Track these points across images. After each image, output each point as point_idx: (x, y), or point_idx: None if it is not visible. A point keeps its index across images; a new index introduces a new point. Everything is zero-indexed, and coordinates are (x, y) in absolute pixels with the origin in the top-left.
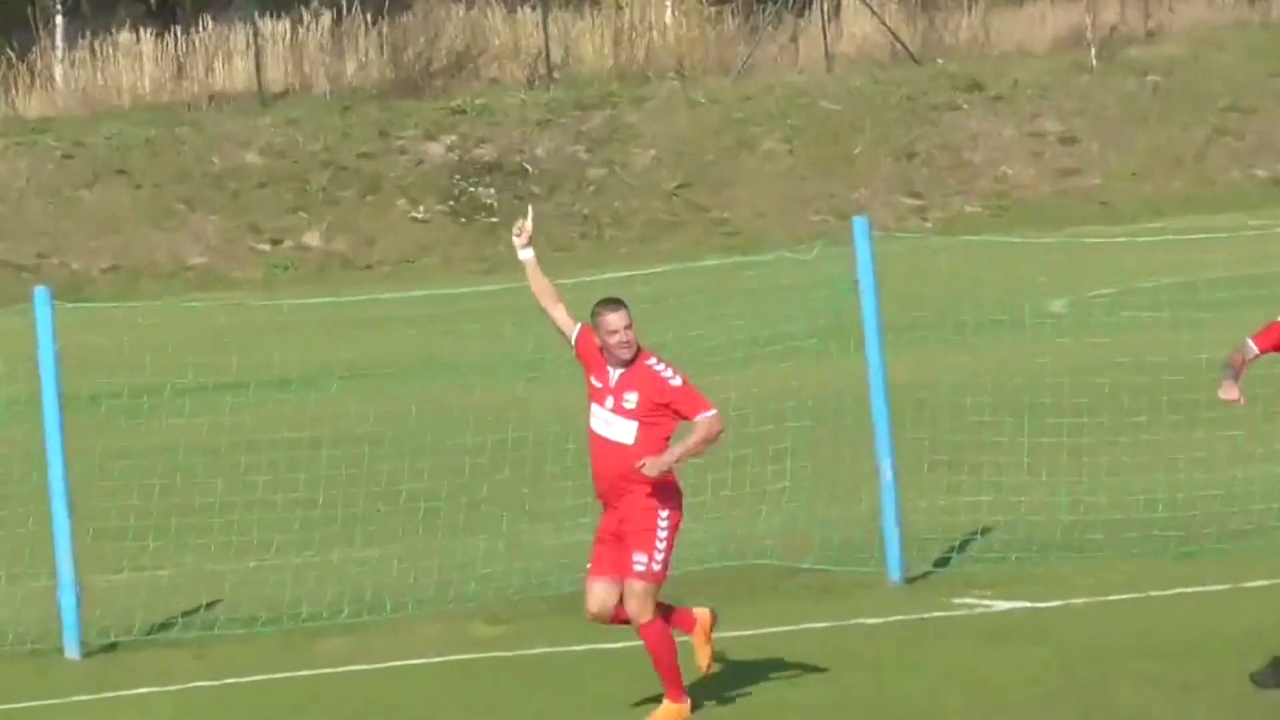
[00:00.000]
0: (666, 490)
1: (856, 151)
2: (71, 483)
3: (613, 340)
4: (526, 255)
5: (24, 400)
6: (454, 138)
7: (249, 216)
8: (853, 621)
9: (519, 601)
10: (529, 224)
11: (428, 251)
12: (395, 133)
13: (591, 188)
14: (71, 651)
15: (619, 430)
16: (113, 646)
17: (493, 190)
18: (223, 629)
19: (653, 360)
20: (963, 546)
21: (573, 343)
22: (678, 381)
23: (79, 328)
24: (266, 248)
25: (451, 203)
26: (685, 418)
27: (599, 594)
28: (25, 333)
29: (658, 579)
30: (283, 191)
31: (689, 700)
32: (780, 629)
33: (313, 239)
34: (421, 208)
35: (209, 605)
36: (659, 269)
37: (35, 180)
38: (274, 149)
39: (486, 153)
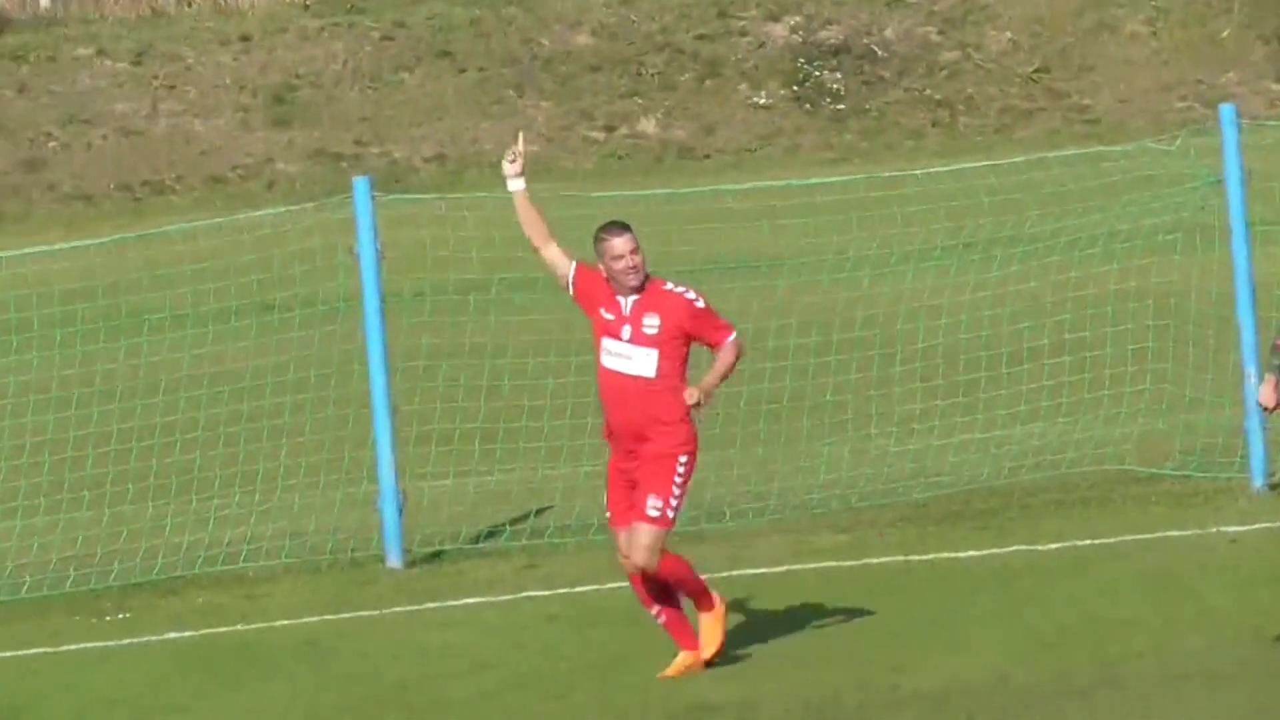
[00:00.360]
0: (686, 431)
1: (1224, 34)
2: (393, 384)
3: (618, 266)
4: (516, 186)
5: (344, 298)
6: (798, 18)
7: (580, 102)
8: (1214, 530)
9: (863, 510)
10: (521, 147)
11: (770, 140)
12: (735, 12)
13: (944, 72)
14: (393, 560)
15: (639, 362)
16: (436, 555)
17: (839, 75)
18: (553, 538)
19: (669, 284)
20: None
21: (570, 282)
22: (701, 304)
23: (401, 221)
24: (599, 135)
25: (795, 88)
26: (709, 343)
27: (627, 543)
28: (344, 226)
29: (669, 525)
30: (616, 76)
31: (720, 600)
32: (1138, 537)
33: (648, 126)
34: (763, 93)
35: (538, 513)
36: (1014, 159)
37: (353, 64)
38: (607, 30)
39: (832, 35)
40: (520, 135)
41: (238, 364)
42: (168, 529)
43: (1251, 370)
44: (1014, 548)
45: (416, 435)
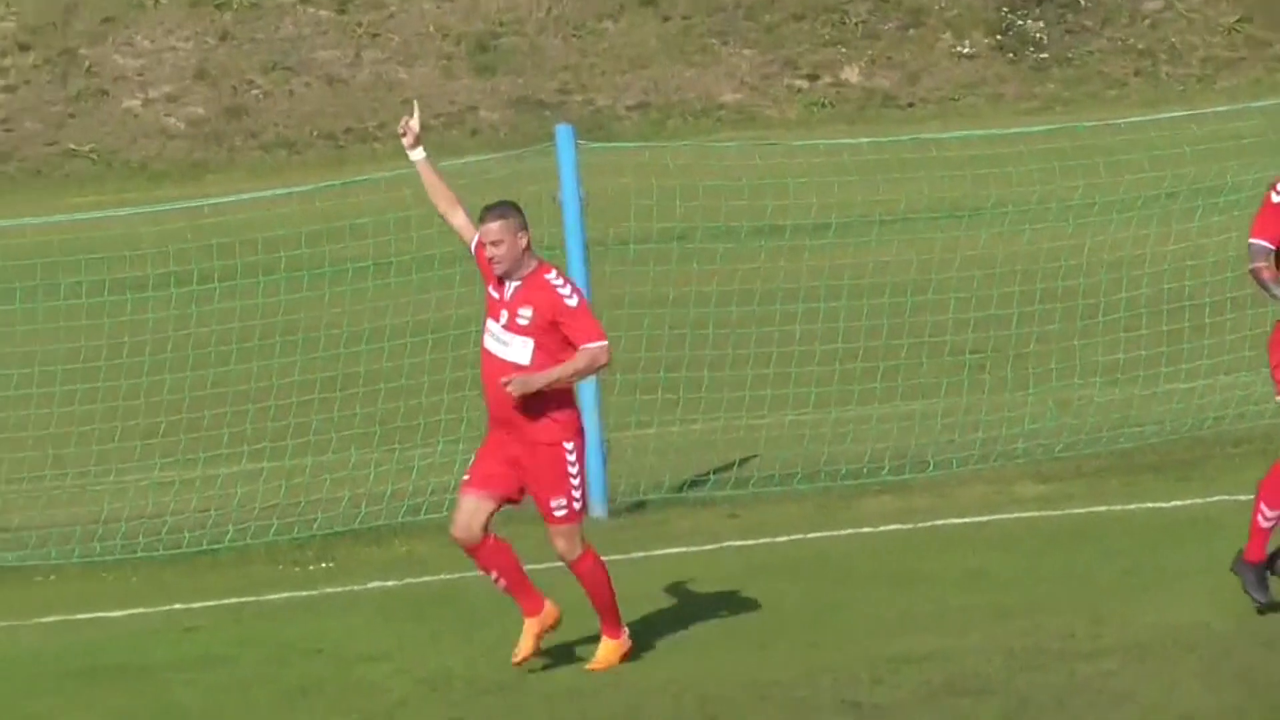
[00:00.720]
0: (566, 418)
1: None
2: None
3: (484, 252)
4: (417, 156)
5: (547, 246)
6: None
7: (784, 50)
8: None
9: (1067, 459)
10: (415, 123)
11: (973, 89)
12: None
13: (1146, 21)
14: (597, 511)
15: (515, 349)
16: (640, 505)
17: (1042, 24)
18: (757, 487)
19: (552, 274)
20: None
21: (472, 251)
22: (574, 301)
23: (604, 169)
24: (803, 84)
25: (998, 37)
26: (572, 342)
27: (467, 510)
28: (548, 174)
29: (580, 517)
30: (819, 24)
31: (627, 635)
32: None
33: (851, 75)
34: (967, 42)
35: (742, 462)
36: (1217, 108)
37: (556, 11)
38: None
39: None
40: (415, 106)
41: (441, 313)
42: (371, 478)
43: None
44: (1217, 497)
45: (620, 384)
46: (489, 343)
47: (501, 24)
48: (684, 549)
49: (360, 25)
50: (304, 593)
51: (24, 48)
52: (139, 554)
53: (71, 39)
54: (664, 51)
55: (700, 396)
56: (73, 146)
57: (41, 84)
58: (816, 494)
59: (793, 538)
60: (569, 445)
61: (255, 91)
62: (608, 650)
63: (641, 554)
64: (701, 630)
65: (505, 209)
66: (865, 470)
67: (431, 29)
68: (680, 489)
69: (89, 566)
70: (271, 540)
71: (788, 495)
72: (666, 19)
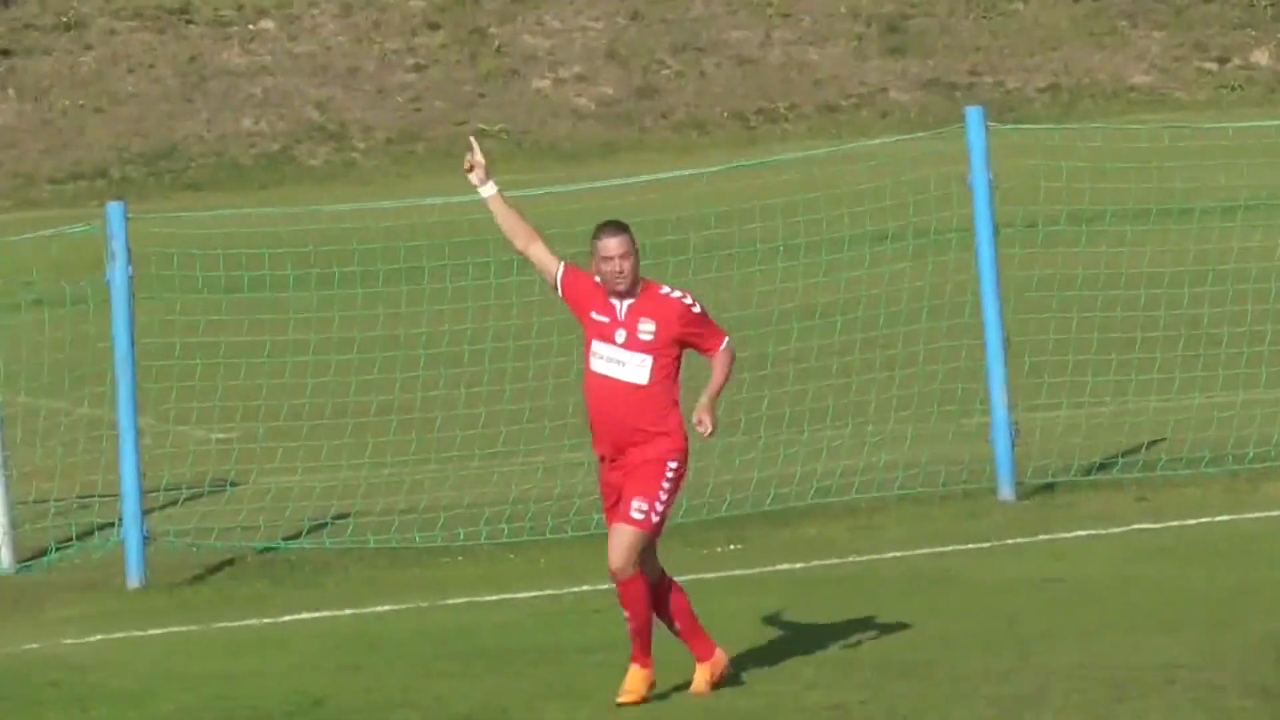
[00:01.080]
0: (677, 438)
1: None
2: (1006, 315)
3: (606, 268)
4: (488, 192)
5: (956, 228)
6: None
7: (1194, 33)
8: None
9: None
10: (478, 156)
11: None
12: None
13: None
14: (1005, 492)
15: (632, 369)
16: (1049, 487)
17: None
18: (1165, 470)
19: (665, 288)
20: None
21: (558, 283)
22: (698, 309)
23: (1013, 150)
24: (1213, 66)
25: None
26: (704, 349)
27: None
28: (957, 156)
29: (653, 531)
30: (1229, 7)
31: (651, 667)
32: None
33: (1261, 57)
34: None
35: (1150, 444)
36: None
37: None
38: None
39: None
40: (474, 141)
41: (850, 294)
42: (779, 460)
43: None
44: None
45: (1029, 366)
46: (600, 366)
47: (912, 5)
48: (1092, 531)
49: (771, 5)
50: (712, 574)
51: (433, 27)
52: (548, 535)
53: (481, 18)
54: (1074, 33)
55: (1108, 379)
56: (482, 126)
57: (450, 64)
58: (1225, 476)
59: (1200, 520)
60: (672, 463)
61: (666, 71)
62: (637, 679)
63: (1048, 536)
64: (1109, 613)
65: (625, 225)
66: (1273, 452)
67: (843, 9)
68: (1089, 471)
69: (497, 548)
70: (680, 522)
71: (1195, 478)
72: (1077, 1)
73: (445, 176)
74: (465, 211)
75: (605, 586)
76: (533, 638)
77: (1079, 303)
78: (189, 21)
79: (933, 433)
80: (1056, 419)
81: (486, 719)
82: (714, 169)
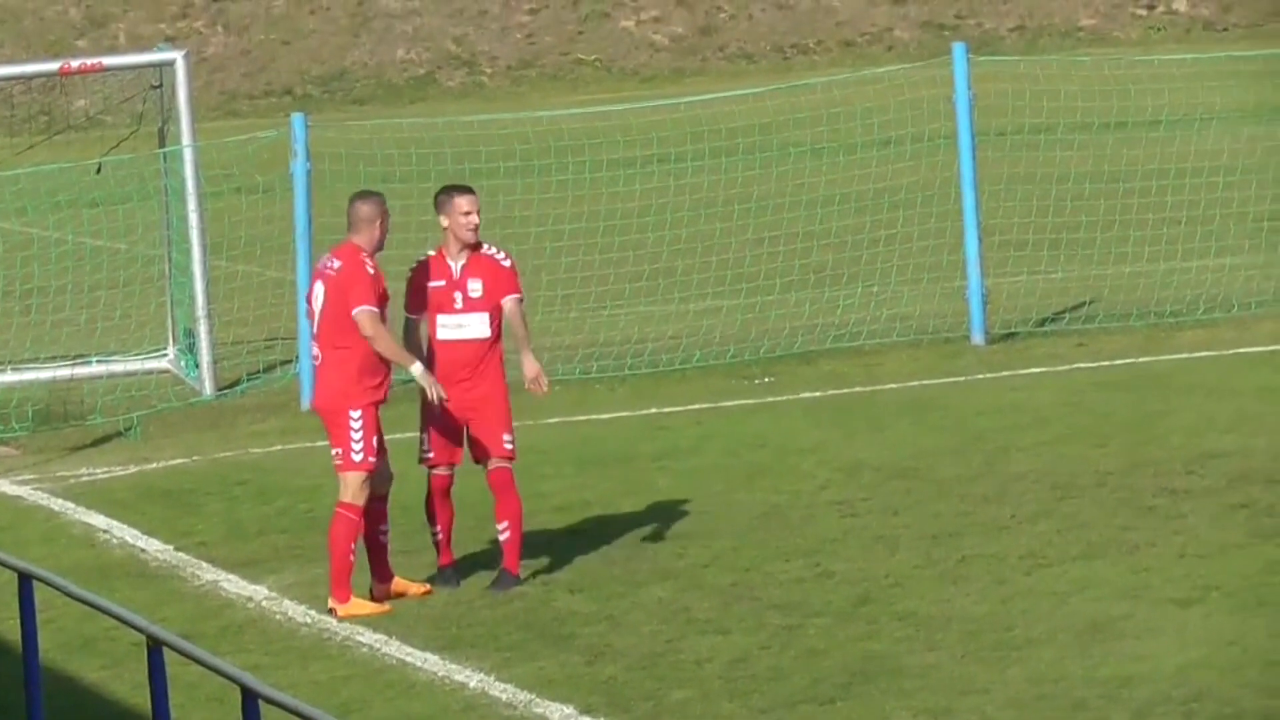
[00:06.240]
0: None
1: None
2: (981, 202)
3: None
4: (417, 371)
5: (944, 136)
6: None
7: None
8: None
9: None
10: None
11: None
12: None
13: None
14: (977, 339)
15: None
16: (1010, 336)
17: None
18: (1101, 322)
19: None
20: None
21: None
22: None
23: (989, 76)
24: (1143, 12)
25: None
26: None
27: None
28: (946, 81)
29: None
30: None
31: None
32: None
33: (1181, 5)
34: None
35: (1090, 303)
36: None
37: None
38: None
39: None
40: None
41: (862, 186)
42: (805, 313)
43: None
44: None
45: (998, 242)
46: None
47: None
48: (1043, 369)
49: None
50: (750, 401)
51: None
52: (626, 371)
53: None
54: None
55: (1059, 252)
56: (581, 57)
57: (558, 7)
58: (1147, 328)
59: (1127, 361)
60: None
61: (722, 14)
62: (403, 585)
63: (1009, 373)
64: (1055, 431)
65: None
66: (1186, 309)
67: None
68: (1041, 324)
69: (585, 381)
70: (728, 361)
71: (1124, 328)
72: None
73: (553, 95)
74: (569, 123)
75: (670, 409)
76: (611, 448)
77: (1038, 194)
78: None
79: (923, 293)
80: (1018, 283)
81: (575, 509)
82: (758, 89)
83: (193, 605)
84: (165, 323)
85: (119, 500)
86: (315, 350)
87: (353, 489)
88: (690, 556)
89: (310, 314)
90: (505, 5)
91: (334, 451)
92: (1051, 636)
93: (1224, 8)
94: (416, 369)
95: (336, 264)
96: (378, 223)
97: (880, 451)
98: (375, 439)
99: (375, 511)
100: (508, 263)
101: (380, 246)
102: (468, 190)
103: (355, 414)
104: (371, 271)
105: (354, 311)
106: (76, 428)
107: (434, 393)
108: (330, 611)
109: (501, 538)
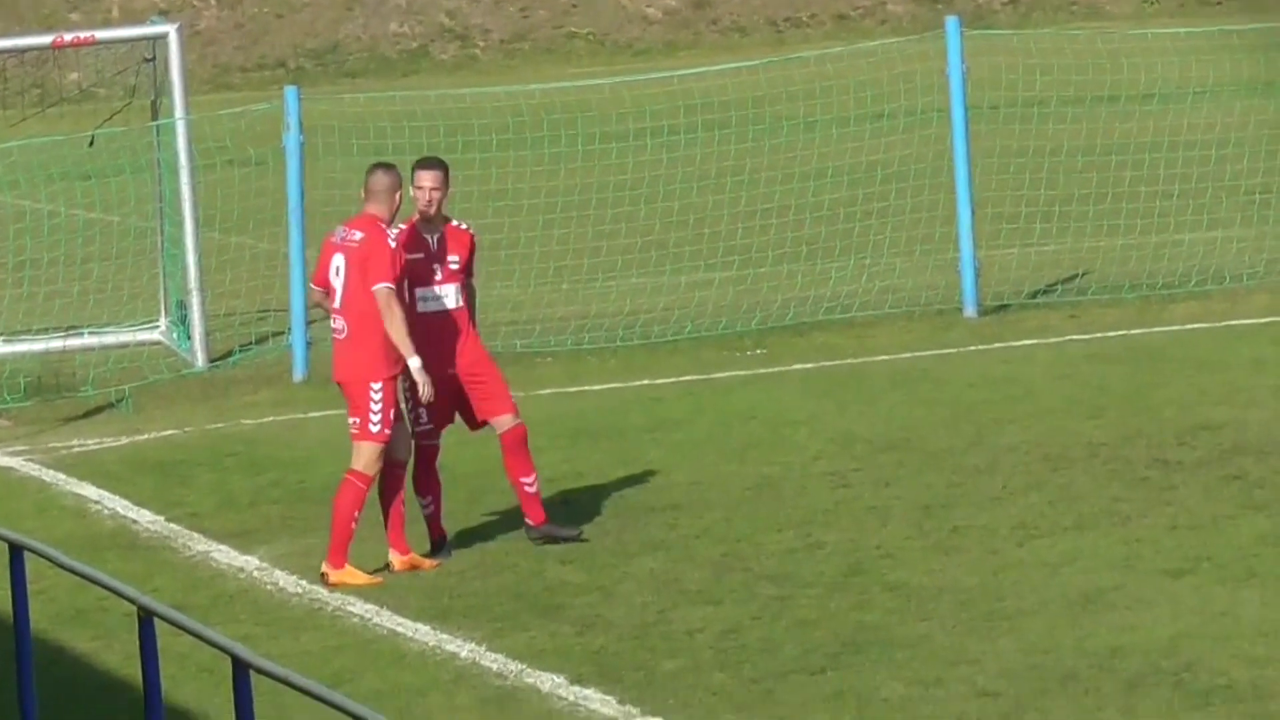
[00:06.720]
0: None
1: None
2: (974, 176)
3: (418, 194)
4: (415, 364)
5: (937, 109)
6: None
7: None
8: None
9: None
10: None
11: None
12: None
13: None
14: (969, 311)
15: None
16: (1002, 307)
17: None
18: (1093, 294)
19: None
20: None
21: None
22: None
23: (982, 50)
24: None
25: None
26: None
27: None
28: (939, 54)
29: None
30: None
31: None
32: None
33: None
34: None
35: (1082, 275)
36: None
37: None
38: None
39: None
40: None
41: (854, 159)
42: (798, 285)
43: None
44: None
45: (990, 215)
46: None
47: None
48: (1035, 341)
49: None
50: (742, 372)
51: None
52: (618, 343)
53: None
54: None
55: (1052, 225)
56: (573, 30)
57: None
58: (1138, 300)
59: (1119, 333)
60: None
61: None
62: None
63: (1001, 345)
64: (1047, 403)
65: (442, 163)
66: (1177, 281)
67: None
68: (1033, 295)
69: (578, 353)
70: (720, 333)
71: (1116, 301)
72: None
73: (546, 68)
74: (562, 96)
75: (662, 381)
76: (602, 420)
77: (1030, 167)
78: None
79: (915, 265)
80: (1010, 255)
81: (567, 481)
82: (752, 63)
83: (184, 576)
84: (157, 295)
85: (110, 471)
86: (339, 323)
87: (365, 459)
88: (682, 527)
89: (328, 287)
90: None
91: (351, 420)
92: (1043, 607)
93: None
94: (415, 363)
95: (358, 235)
96: (396, 194)
97: (872, 423)
98: (393, 411)
99: (395, 478)
100: (476, 238)
101: (394, 219)
102: (433, 165)
103: (376, 386)
104: (393, 245)
105: (374, 287)
106: (68, 399)
107: (427, 391)
108: (322, 577)
109: (530, 489)
